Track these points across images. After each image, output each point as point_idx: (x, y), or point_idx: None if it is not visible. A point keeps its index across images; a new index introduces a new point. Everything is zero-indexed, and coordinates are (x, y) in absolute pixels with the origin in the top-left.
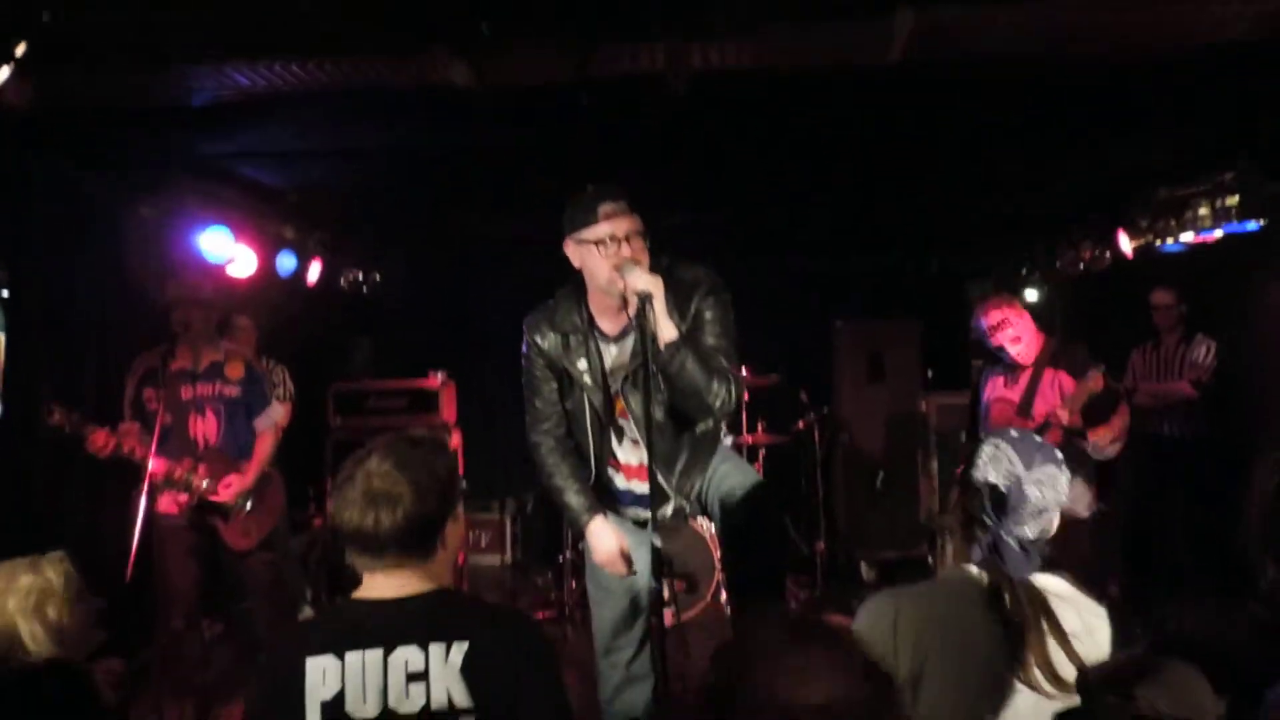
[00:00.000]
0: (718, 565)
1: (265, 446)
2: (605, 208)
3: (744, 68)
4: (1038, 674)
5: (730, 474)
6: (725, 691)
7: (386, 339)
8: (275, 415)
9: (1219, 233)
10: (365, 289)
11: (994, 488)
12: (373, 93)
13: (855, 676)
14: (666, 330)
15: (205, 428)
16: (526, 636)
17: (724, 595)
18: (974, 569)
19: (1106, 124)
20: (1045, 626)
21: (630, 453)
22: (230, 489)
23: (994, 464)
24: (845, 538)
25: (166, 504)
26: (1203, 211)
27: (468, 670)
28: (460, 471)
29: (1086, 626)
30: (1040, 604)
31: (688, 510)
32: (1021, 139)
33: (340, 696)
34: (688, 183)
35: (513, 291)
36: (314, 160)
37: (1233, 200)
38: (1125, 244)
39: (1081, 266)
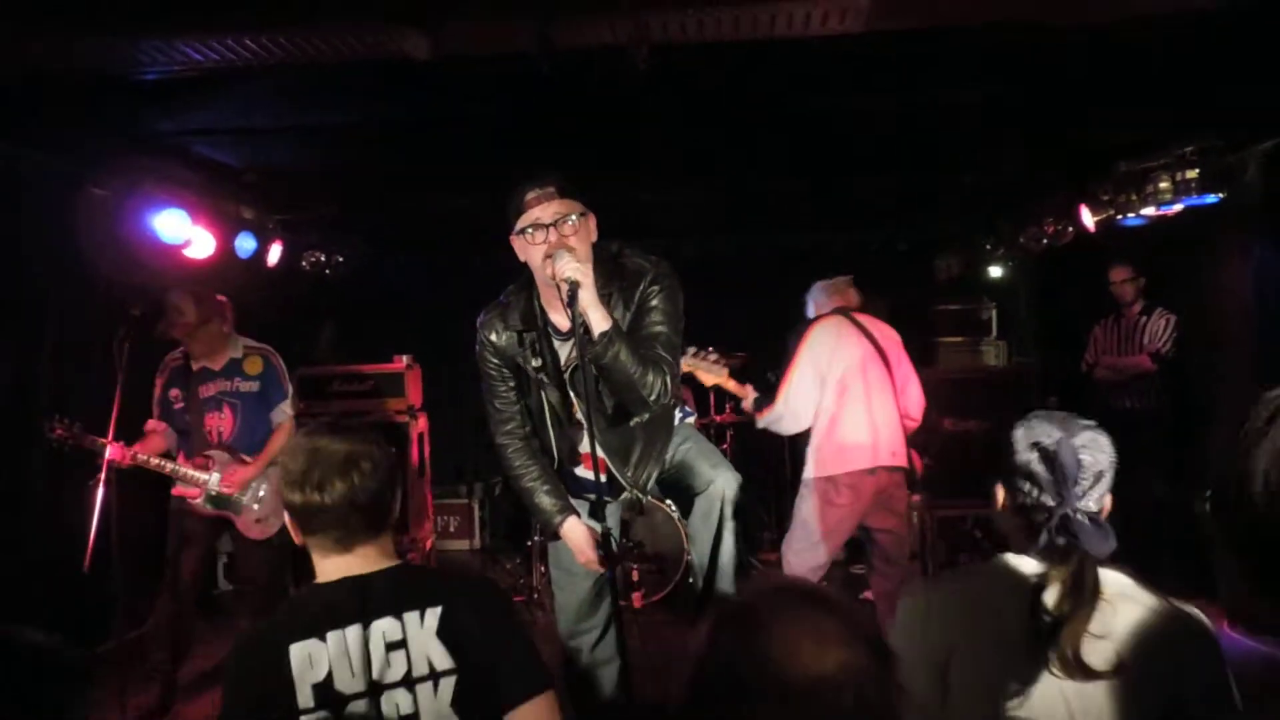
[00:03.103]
0: (687, 548)
1: (279, 438)
2: (530, 194)
3: (705, 40)
4: (1067, 662)
5: (689, 451)
6: (727, 660)
7: (351, 322)
8: (290, 409)
9: (1179, 206)
10: (328, 271)
11: (1044, 463)
12: (329, 67)
13: (861, 646)
14: (597, 320)
15: (221, 423)
16: (493, 596)
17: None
18: (1025, 559)
19: (1071, 98)
20: (1087, 621)
21: (588, 445)
22: (235, 478)
23: (1031, 442)
24: None
25: (183, 489)
26: (1163, 185)
27: (444, 633)
28: (415, 445)
29: (1145, 631)
30: (1092, 596)
31: (642, 501)
32: (987, 114)
33: (330, 676)
34: (652, 159)
35: (479, 272)
36: (271, 138)
37: (1192, 174)
38: (1087, 218)
39: (1045, 241)
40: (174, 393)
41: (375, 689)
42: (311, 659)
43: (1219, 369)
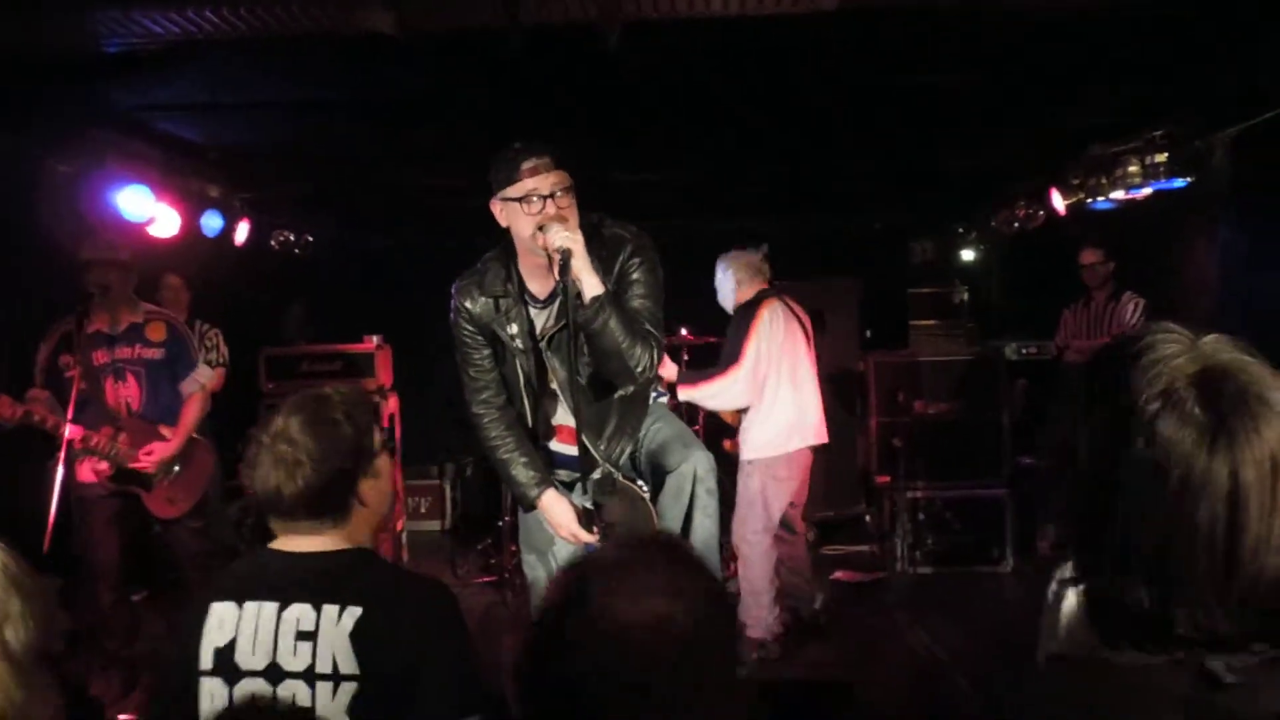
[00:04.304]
0: (657, 527)
1: (192, 412)
2: (528, 164)
3: (678, 17)
4: None
5: (662, 430)
6: (559, 609)
7: (321, 301)
8: (202, 378)
9: (1148, 190)
10: (298, 250)
11: None
12: (296, 42)
13: (693, 600)
14: (590, 285)
15: (125, 392)
16: (430, 608)
17: None
18: None
19: (1044, 81)
20: None
21: (563, 416)
22: (151, 456)
23: None
24: None
25: (86, 473)
26: (1132, 169)
27: (358, 637)
28: (386, 426)
29: None
30: None
31: (616, 476)
32: (961, 97)
33: (232, 644)
34: (625, 139)
35: (449, 251)
36: (238, 114)
37: (1161, 157)
38: (1058, 201)
39: (1016, 225)
40: (64, 359)
41: (275, 672)
42: (222, 621)
43: None
